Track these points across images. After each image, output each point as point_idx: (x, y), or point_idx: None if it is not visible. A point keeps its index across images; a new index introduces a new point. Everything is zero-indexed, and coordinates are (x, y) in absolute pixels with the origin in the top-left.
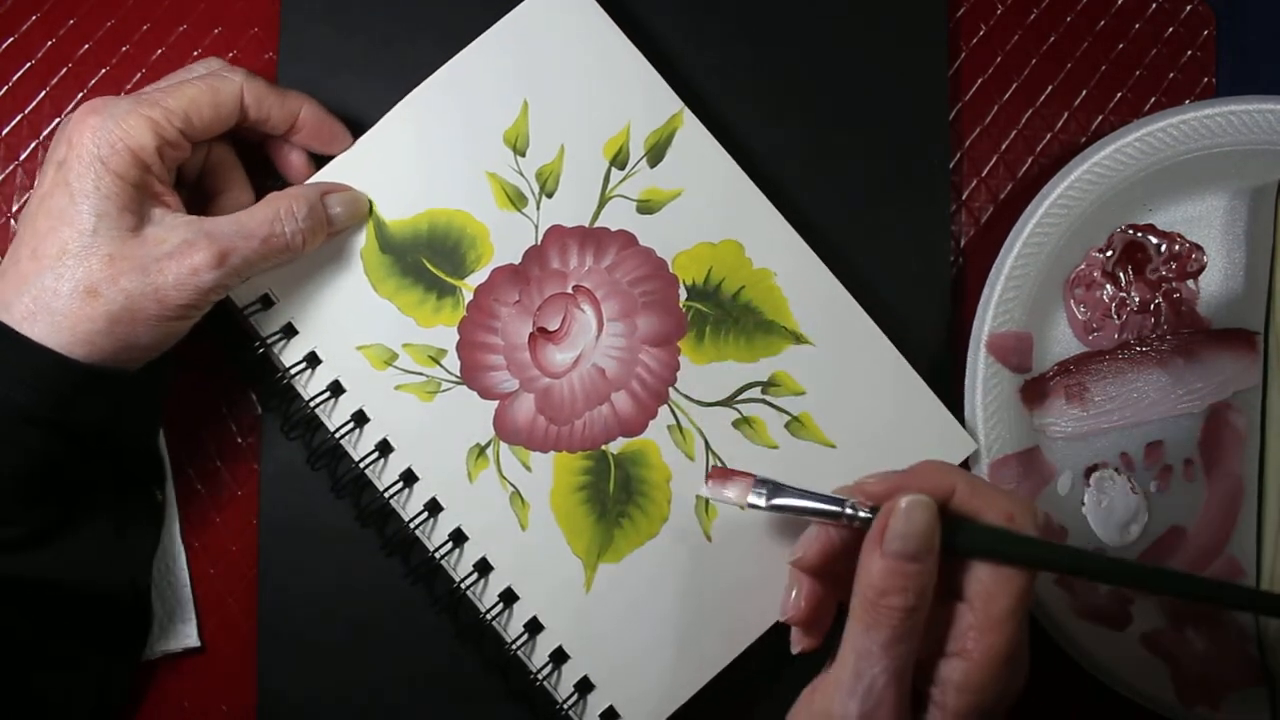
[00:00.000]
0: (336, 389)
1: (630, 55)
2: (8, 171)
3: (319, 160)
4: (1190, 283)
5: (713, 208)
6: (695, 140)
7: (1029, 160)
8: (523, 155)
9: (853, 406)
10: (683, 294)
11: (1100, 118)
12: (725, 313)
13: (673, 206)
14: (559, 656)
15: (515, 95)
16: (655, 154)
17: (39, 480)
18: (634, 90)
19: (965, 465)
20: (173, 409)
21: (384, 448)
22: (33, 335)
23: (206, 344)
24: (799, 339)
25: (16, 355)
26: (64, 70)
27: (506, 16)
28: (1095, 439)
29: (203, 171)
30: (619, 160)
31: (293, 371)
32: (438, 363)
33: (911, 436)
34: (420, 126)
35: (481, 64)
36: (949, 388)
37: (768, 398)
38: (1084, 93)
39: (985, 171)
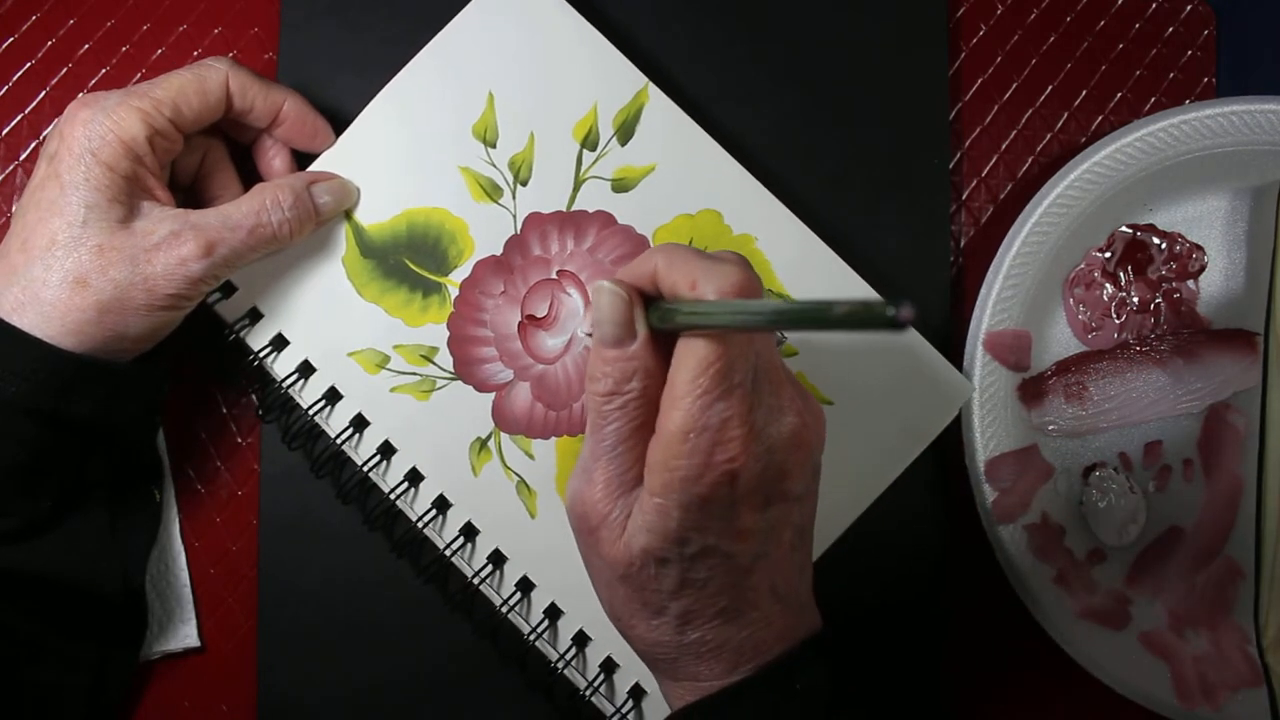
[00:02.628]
0: (333, 396)
1: (589, 36)
2: (8, 171)
3: (303, 165)
4: (1190, 283)
5: (687, 179)
6: (663, 114)
7: (1029, 160)
8: (493, 147)
9: (846, 362)
10: None
11: (1100, 118)
12: None
13: (647, 182)
14: (581, 639)
15: (479, 89)
16: (624, 132)
17: (31, 472)
18: (597, 71)
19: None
20: (173, 409)
21: (386, 450)
22: (22, 325)
23: (206, 348)
24: (786, 300)
25: (5, 345)
26: (64, 70)
27: (460, 13)
28: (1094, 438)
29: (198, 175)
30: (589, 142)
31: (288, 382)
32: (430, 361)
33: (907, 384)
34: (386, 131)
35: (442, 62)
36: None
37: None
38: (1084, 93)
39: (985, 171)
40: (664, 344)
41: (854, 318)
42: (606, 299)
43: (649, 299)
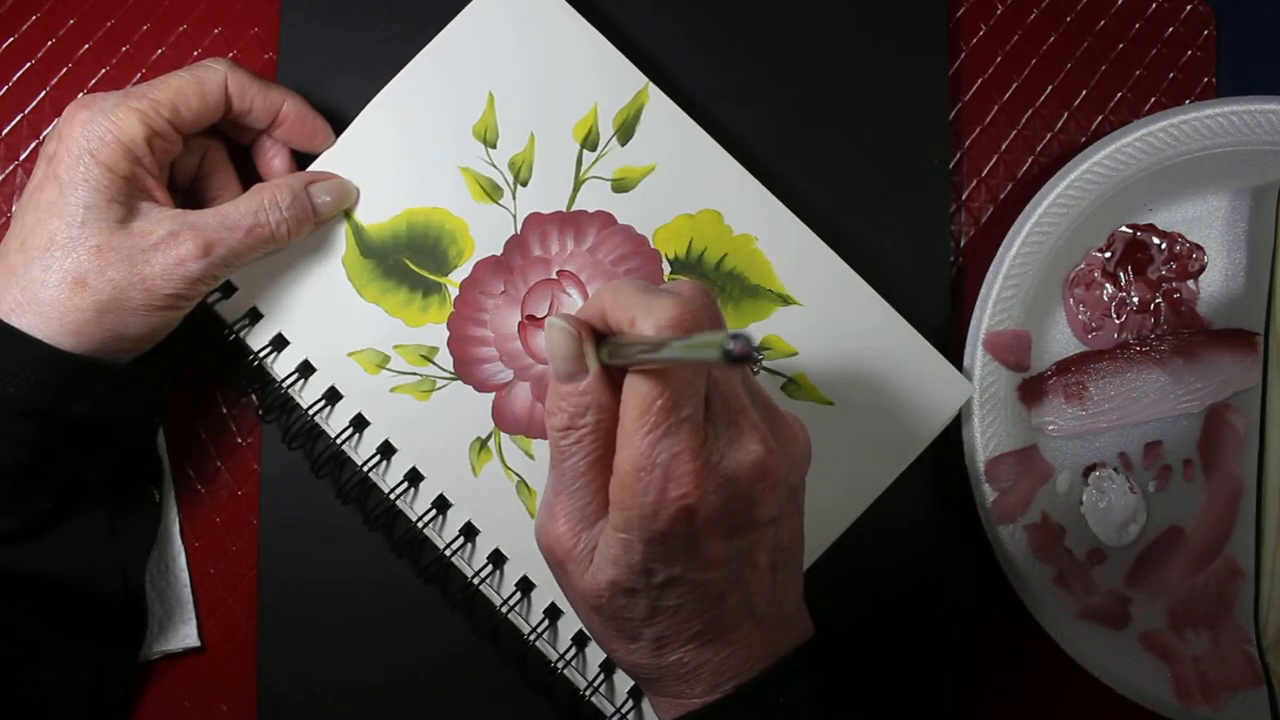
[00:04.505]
0: (333, 396)
1: (589, 36)
2: (8, 171)
3: (302, 165)
4: (1190, 283)
5: (687, 179)
6: (663, 114)
7: (1029, 160)
8: (493, 147)
9: (846, 361)
10: (666, 268)
11: (1100, 118)
12: (710, 282)
13: (647, 182)
14: (581, 639)
15: (480, 89)
16: (624, 132)
17: (30, 472)
18: (597, 71)
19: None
20: (173, 409)
21: (386, 450)
22: (20, 326)
23: (206, 348)
24: (786, 300)
25: (4, 346)
26: (64, 70)
27: (460, 13)
28: (1094, 438)
29: (197, 175)
30: (589, 142)
31: (288, 382)
32: (430, 361)
33: (907, 384)
34: (386, 131)
35: (442, 62)
36: None
37: (761, 356)
38: (1084, 93)
39: (985, 171)
40: (619, 378)
41: (692, 350)
42: (556, 335)
43: (601, 335)
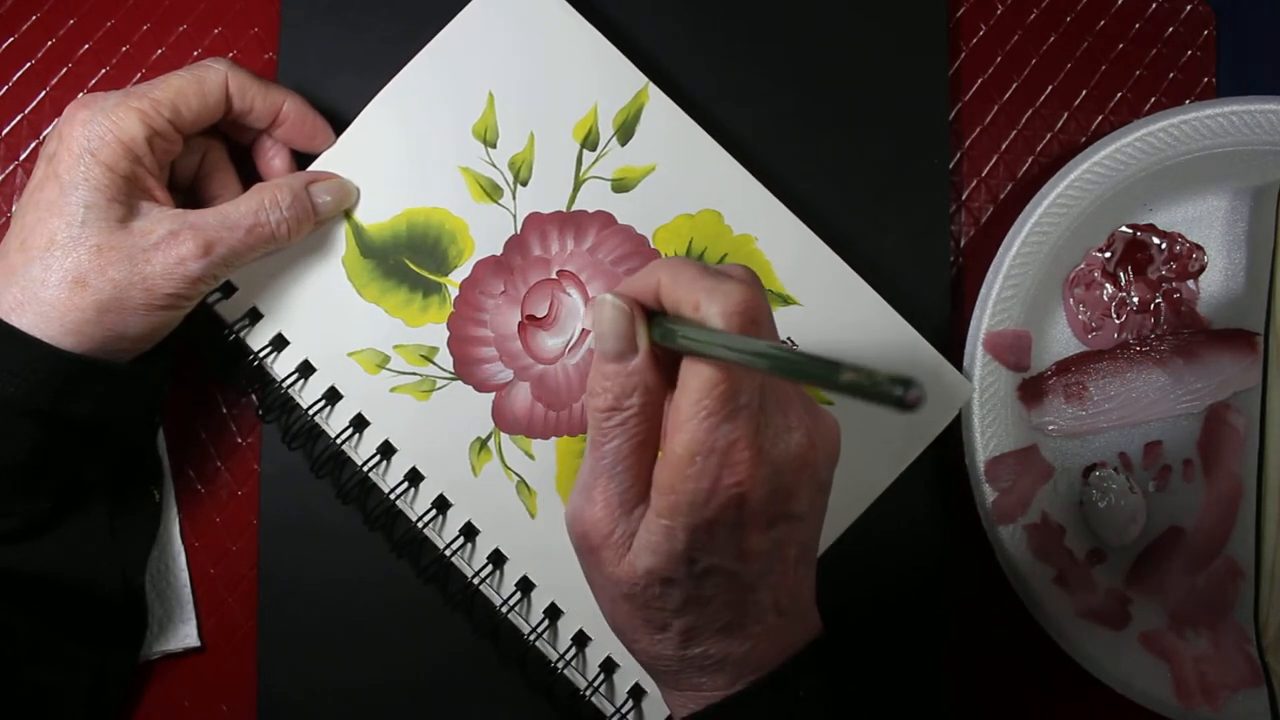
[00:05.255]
0: (333, 396)
1: (589, 36)
2: (8, 171)
3: (303, 165)
4: (1190, 283)
5: (687, 179)
6: (663, 114)
7: (1029, 160)
8: (493, 147)
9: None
10: None
11: (1100, 118)
12: None
13: (647, 182)
14: (581, 639)
15: (480, 89)
16: (624, 132)
17: (30, 471)
18: (597, 71)
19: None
20: (173, 409)
21: (386, 450)
22: (21, 325)
23: (206, 348)
24: (786, 300)
25: (4, 345)
26: (64, 70)
27: (460, 13)
28: (1094, 438)
29: (197, 175)
30: (589, 142)
31: (288, 382)
32: (430, 361)
33: None
34: (386, 131)
35: (442, 62)
36: None
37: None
38: (1084, 93)
39: (985, 171)
40: (666, 359)
41: (858, 388)
42: (608, 312)
43: (651, 313)
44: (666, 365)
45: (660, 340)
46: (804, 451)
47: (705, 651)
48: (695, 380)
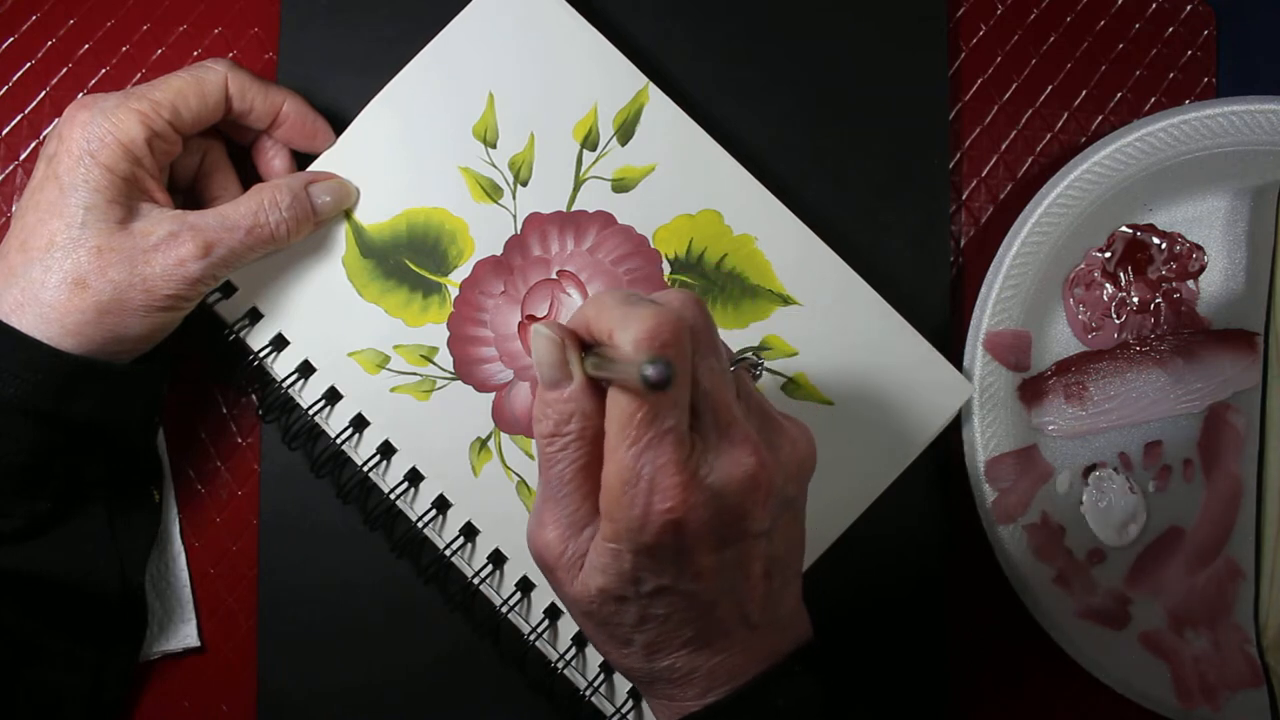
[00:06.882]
0: (333, 396)
1: (589, 36)
2: (8, 171)
3: (303, 165)
4: (1190, 283)
5: (687, 179)
6: (663, 114)
7: (1029, 160)
8: (493, 147)
9: (846, 361)
10: (666, 268)
11: (1100, 118)
12: (710, 282)
13: (647, 182)
14: (581, 640)
15: (480, 89)
16: (625, 132)
17: (30, 472)
18: (597, 71)
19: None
20: (173, 409)
21: (386, 450)
22: (21, 326)
23: (206, 348)
24: (786, 300)
25: (4, 346)
26: (64, 70)
27: (460, 13)
28: (1094, 438)
29: (197, 176)
30: (589, 142)
31: (288, 382)
32: (430, 361)
33: (907, 384)
34: (386, 131)
35: (442, 62)
36: None
37: (762, 362)
38: (1084, 93)
39: (985, 171)
40: (601, 391)
41: (613, 370)
42: (541, 343)
43: (589, 345)
44: (601, 397)
45: (592, 371)
46: (750, 473)
47: (672, 665)
48: (614, 409)
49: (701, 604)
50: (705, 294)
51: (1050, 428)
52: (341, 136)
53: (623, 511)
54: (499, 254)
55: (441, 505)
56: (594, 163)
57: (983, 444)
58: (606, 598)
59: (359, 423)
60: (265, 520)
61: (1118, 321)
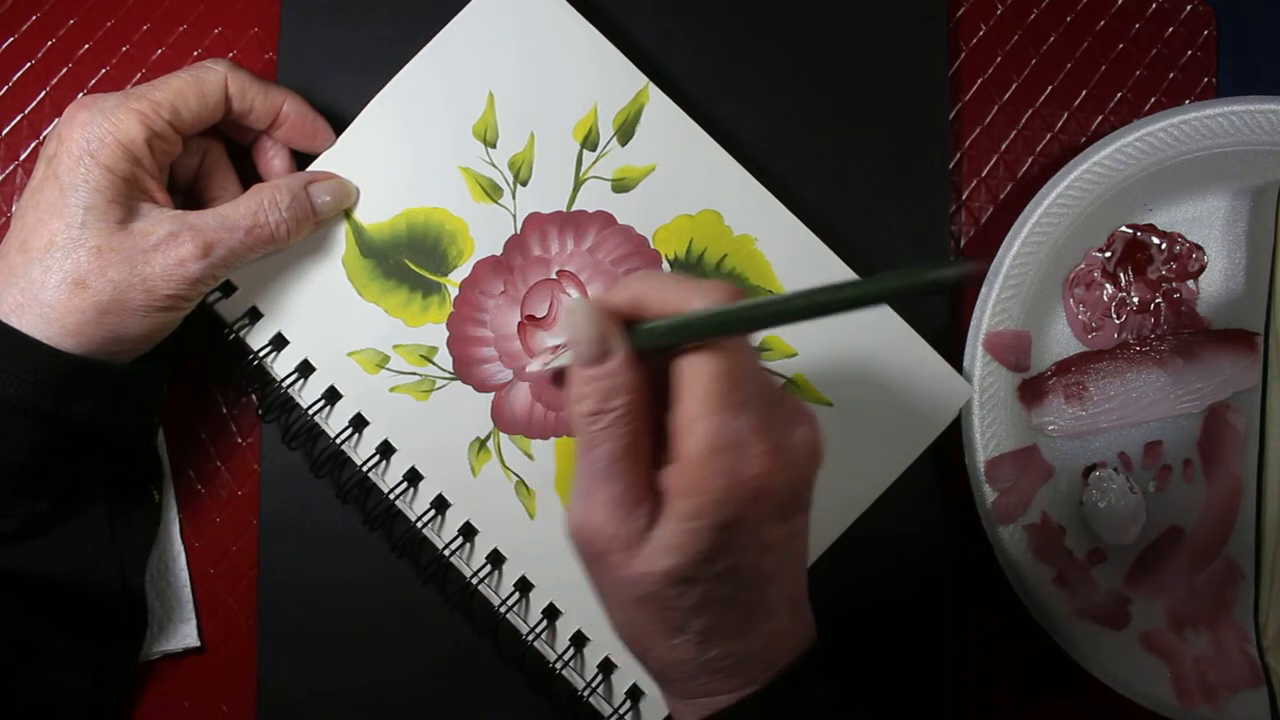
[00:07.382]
0: (333, 395)
1: (589, 36)
2: (8, 171)
3: (303, 165)
4: (1190, 283)
5: (688, 180)
6: (663, 115)
7: (1029, 160)
8: (493, 147)
9: (846, 362)
10: (666, 268)
11: (1100, 118)
12: None
13: (648, 182)
14: (579, 640)
15: (480, 88)
16: (625, 132)
17: (30, 472)
18: (597, 71)
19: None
20: (173, 409)
21: (385, 449)
22: (21, 327)
23: (206, 348)
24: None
25: (4, 347)
26: (64, 70)
27: (460, 13)
28: (1094, 438)
29: (197, 176)
30: (589, 142)
31: (287, 382)
32: (430, 361)
33: (906, 385)
34: (386, 131)
35: (442, 62)
36: None
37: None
38: (1084, 93)
39: (985, 171)
40: (645, 365)
41: (898, 290)
42: (581, 316)
43: (629, 323)
44: (646, 370)
45: (640, 344)
46: (810, 439)
47: (722, 653)
48: (700, 375)
49: (761, 581)
50: None
51: (1050, 428)
52: (341, 136)
53: (708, 483)
54: (499, 254)
55: (440, 505)
56: (594, 163)
57: (983, 444)
58: (673, 580)
59: (358, 422)
60: (265, 520)
61: (1118, 321)
